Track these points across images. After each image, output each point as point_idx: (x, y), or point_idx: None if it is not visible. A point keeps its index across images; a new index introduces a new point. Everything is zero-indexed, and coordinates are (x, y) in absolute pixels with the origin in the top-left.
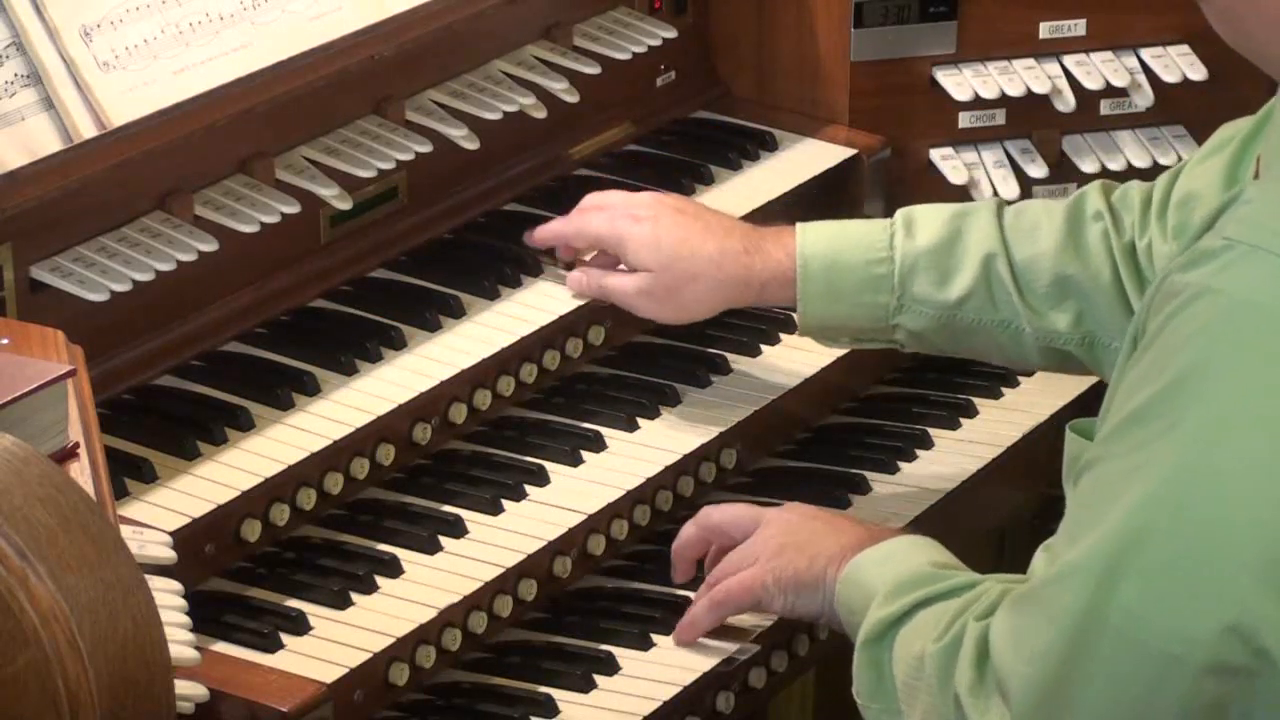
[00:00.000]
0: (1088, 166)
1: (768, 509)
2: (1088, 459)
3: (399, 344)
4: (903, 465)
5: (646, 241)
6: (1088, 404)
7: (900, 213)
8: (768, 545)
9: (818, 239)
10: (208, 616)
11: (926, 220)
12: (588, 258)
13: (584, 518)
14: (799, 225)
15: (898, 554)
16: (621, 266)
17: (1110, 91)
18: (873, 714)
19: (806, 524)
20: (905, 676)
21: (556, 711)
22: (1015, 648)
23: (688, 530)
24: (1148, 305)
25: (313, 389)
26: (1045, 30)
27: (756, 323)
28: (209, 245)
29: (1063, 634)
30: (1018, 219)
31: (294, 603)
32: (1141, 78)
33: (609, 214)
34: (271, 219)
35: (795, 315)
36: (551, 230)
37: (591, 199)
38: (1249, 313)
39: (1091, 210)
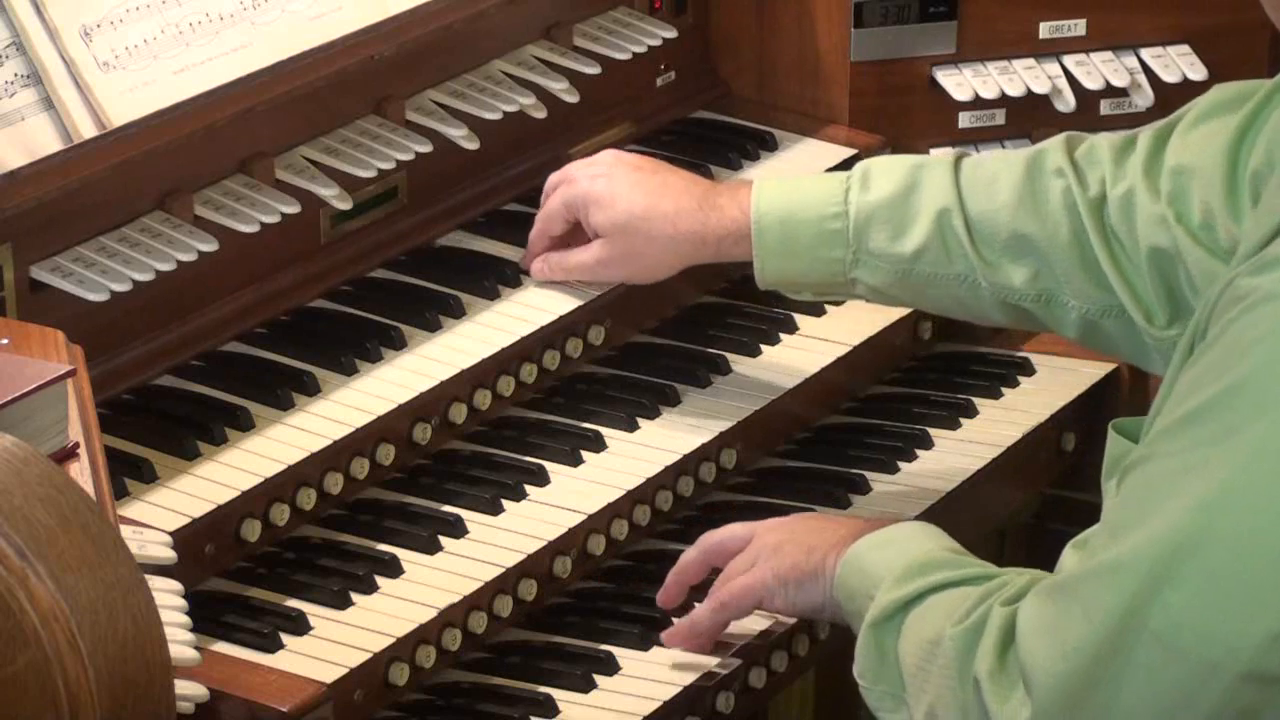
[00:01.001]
0: None
1: (766, 520)
2: (1136, 456)
3: (399, 344)
4: (903, 465)
5: (604, 200)
6: (1088, 404)
7: (859, 165)
8: (766, 546)
9: (773, 195)
10: (208, 616)
11: (883, 173)
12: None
13: (584, 518)
14: (756, 180)
15: (901, 539)
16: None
17: (1110, 91)
18: (875, 696)
19: (803, 523)
20: (916, 660)
21: (556, 711)
22: (1046, 639)
23: (689, 555)
24: (1210, 308)
25: (313, 389)
26: (1045, 30)
27: (757, 323)
28: (209, 245)
29: (1099, 632)
30: (975, 171)
31: (294, 603)
32: (1141, 78)
33: (568, 184)
34: (271, 219)
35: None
36: (535, 237)
37: (552, 177)
38: None
39: (1052, 166)
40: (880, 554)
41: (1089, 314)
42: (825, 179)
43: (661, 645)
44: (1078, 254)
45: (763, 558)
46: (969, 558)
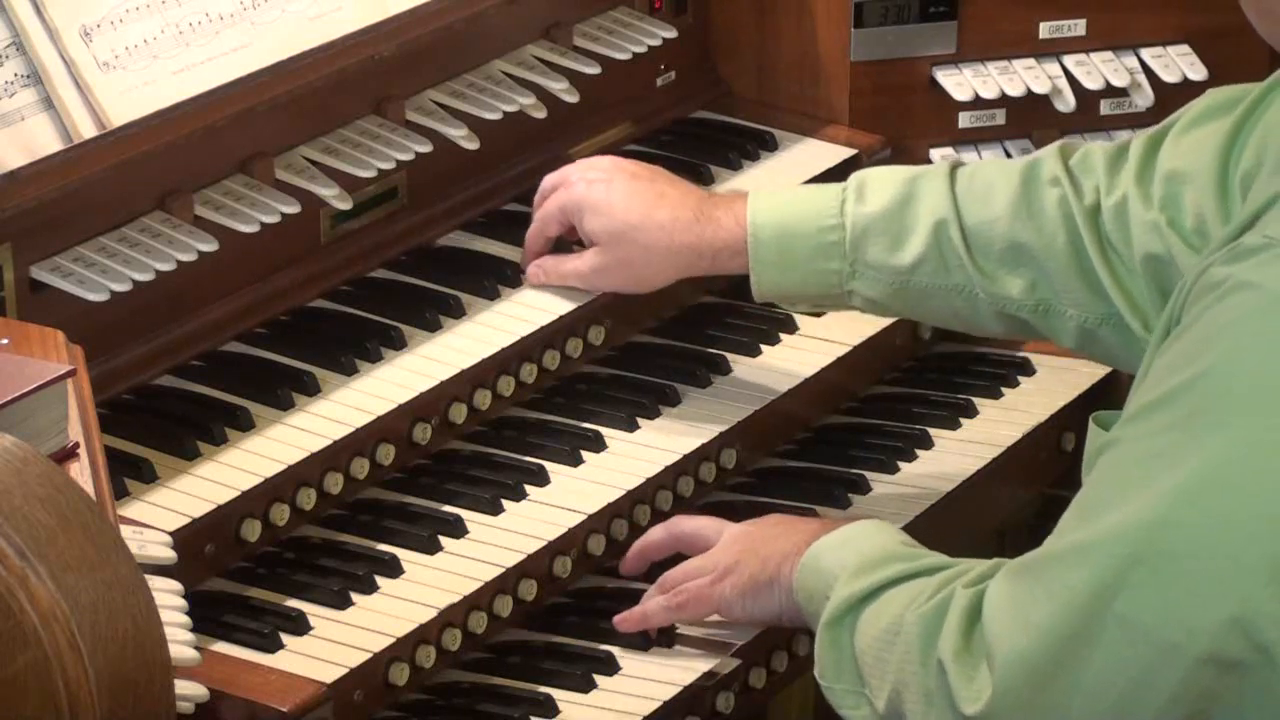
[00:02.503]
0: None
1: (734, 524)
2: (1107, 440)
3: (399, 344)
4: (903, 465)
5: (600, 207)
6: (1088, 404)
7: (854, 176)
8: (726, 559)
9: (769, 207)
10: (208, 616)
11: (878, 184)
12: None
13: (584, 518)
14: (751, 192)
15: (858, 537)
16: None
17: (1110, 91)
18: (836, 695)
19: (763, 532)
20: (874, 650)
21: (556, 711)
22: (1012, 617)
23: (656, 533)
24: (1184, 295)
25: (313, 389)
26: (1045, 30)
27: (757, 323)
28: (209, 245)
29: (1066, 611)
30: (971, 182)
31: (294, 603)
32: (1141, 78)
33: (565, 187)
34: (271, 219)
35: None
36: (531, 239)
37: (549, 179)
38: None
39: (1048, 175)
40: (836, 554)
41: (1087, 323)
42: (820, 190)
43: (662, 646)
44: (1074, 262)
45: (721, 569)
46: (922, 550)
